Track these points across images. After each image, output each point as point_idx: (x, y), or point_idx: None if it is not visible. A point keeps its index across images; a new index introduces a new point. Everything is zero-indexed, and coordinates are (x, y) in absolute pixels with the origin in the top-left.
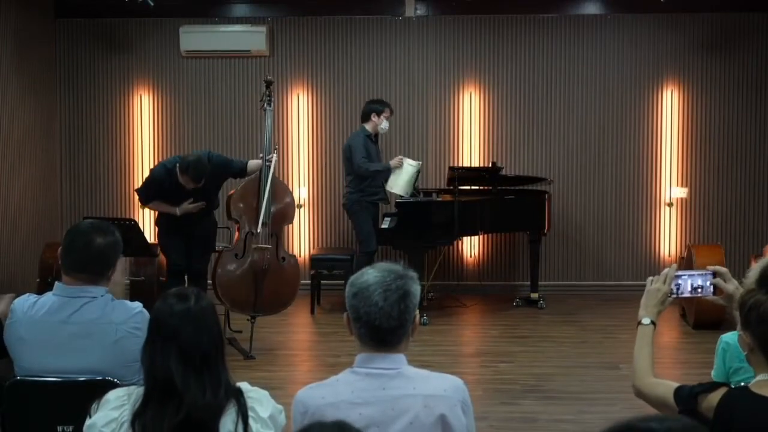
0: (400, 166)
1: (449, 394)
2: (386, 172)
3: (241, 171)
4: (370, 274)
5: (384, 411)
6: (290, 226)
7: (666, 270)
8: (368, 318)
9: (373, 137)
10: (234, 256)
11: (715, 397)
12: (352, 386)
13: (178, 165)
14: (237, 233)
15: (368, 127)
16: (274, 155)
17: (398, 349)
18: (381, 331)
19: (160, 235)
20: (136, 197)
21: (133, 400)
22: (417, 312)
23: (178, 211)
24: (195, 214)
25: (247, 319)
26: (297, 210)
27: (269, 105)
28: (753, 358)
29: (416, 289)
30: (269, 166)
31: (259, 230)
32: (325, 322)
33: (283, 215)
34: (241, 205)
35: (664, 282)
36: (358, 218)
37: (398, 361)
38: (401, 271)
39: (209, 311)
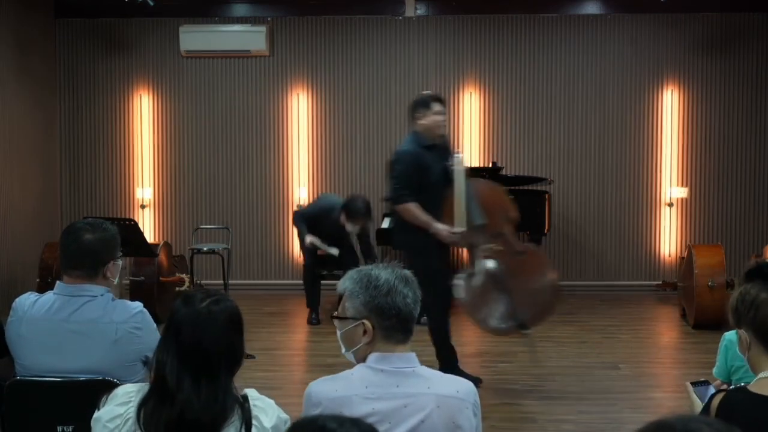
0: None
1: (462, 396)
2: (302, 236)
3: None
4: (381, 273)
5: (397, 408)
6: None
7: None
8: (401, 309)
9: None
10: (469, 276)
11: (714, 402)
12: (367, 381)
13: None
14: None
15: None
16: (459, 156)
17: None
18: (411, 320)
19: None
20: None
21: (140, 396)
22: None
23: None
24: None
25: (522, 334)
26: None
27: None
28: (752, 355)
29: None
30: (453, 170)
31: (456, 229)
32: (326, 321)
33: (492, 208)
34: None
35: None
36: None
37: (412, 359)
38: (387, 265)
39: (221, 316)
